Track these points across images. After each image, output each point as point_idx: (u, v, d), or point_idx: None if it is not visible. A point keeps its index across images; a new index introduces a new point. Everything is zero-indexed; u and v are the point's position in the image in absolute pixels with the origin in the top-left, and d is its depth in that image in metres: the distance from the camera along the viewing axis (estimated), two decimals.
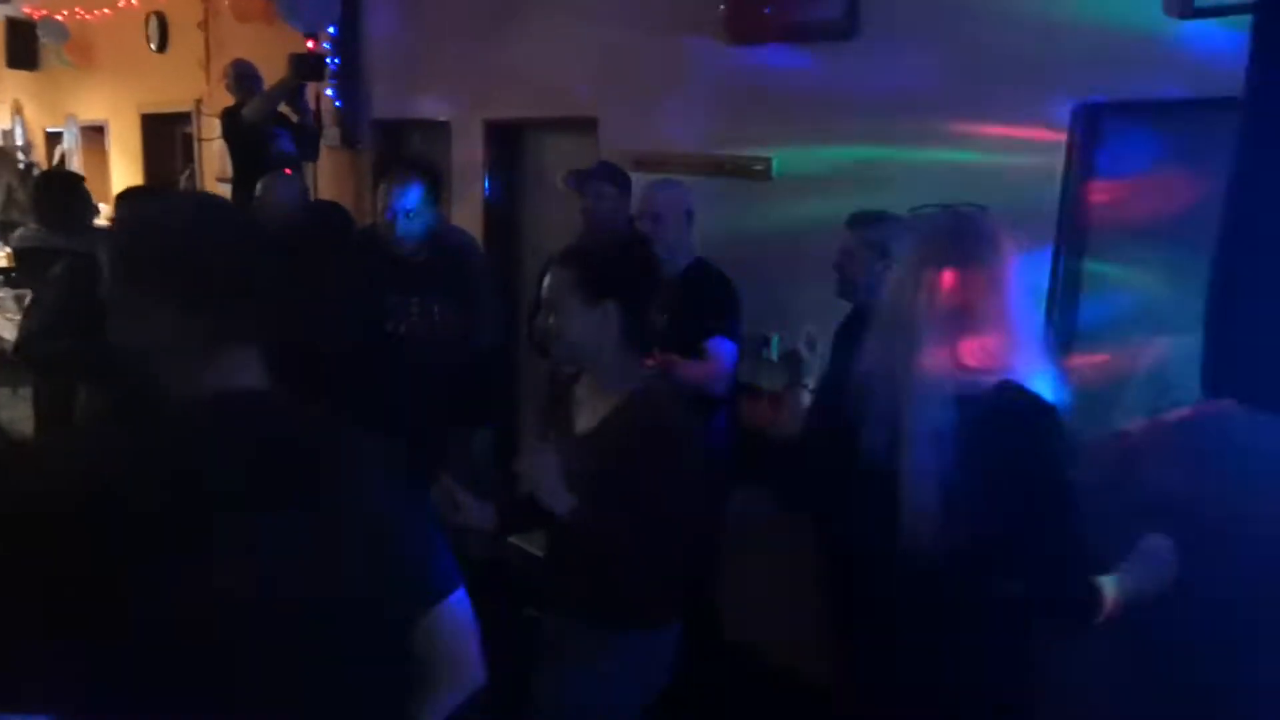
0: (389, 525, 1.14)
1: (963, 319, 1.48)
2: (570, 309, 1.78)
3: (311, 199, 5.03)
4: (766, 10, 3.04)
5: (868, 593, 1.66)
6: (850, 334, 2.58)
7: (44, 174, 6.91)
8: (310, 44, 4.86)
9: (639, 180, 3.21)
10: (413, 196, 2.94)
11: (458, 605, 1.19)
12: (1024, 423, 1.45)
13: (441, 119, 4.68)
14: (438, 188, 3.04)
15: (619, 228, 3.14)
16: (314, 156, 5.20)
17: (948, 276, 1.48)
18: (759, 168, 3.19)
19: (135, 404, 1.11)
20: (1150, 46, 2.23)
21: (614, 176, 3.18)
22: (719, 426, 2.89)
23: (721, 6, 3.11)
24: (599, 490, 1.71)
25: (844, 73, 2.96)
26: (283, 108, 4.94)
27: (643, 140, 3.59)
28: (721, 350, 2.76)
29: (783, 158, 3.15)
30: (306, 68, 4.73)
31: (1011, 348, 1.48)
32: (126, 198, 3.43)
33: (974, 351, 1.47)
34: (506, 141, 4.49)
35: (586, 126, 3.86)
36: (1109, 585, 1.46)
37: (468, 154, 4.54)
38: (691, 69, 3.41)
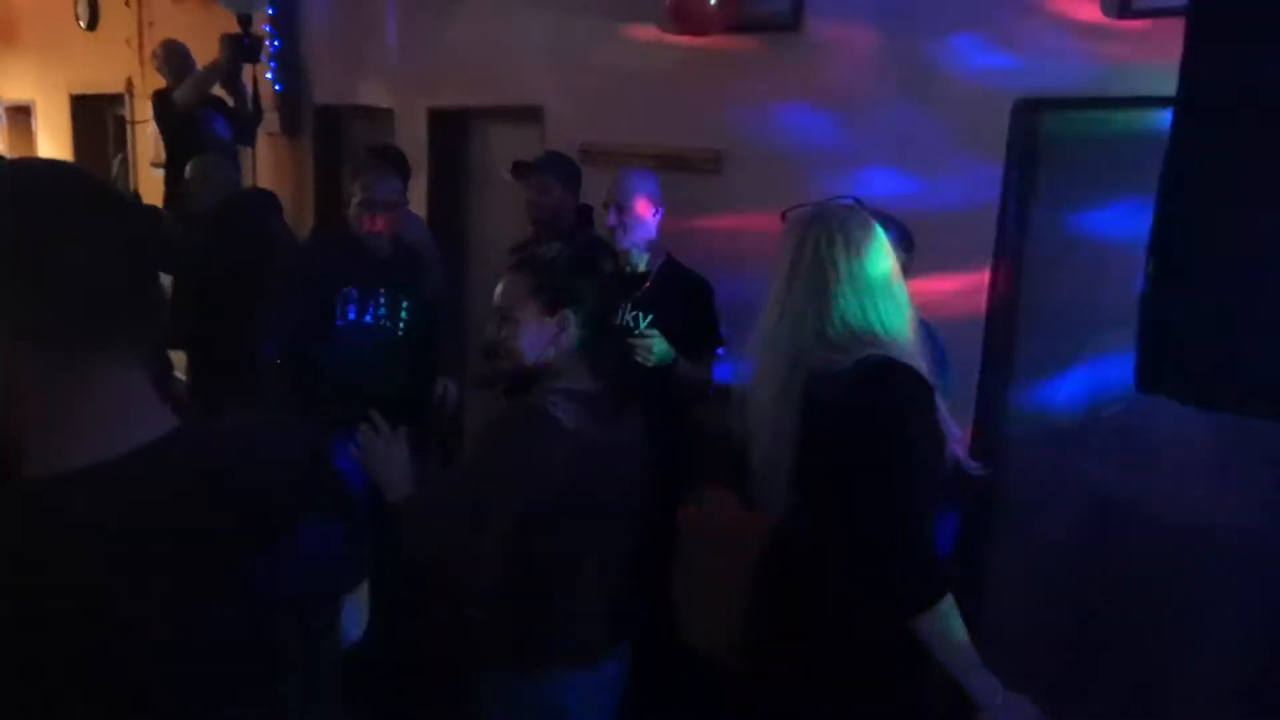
0: (321, 554, 0.97)
1: (823, 292, 1.58)
2: (525, 318, 1.75)
3: (247, 185, 4.93)
4: (712, 1, 3.02)
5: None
6: None
7: None
8: (242, 26, 4.72)
9: (591, 172, 3.19)
10: (388, 190, 2.94)
11: (360, 595, 1.14)
12: (883, 395, 1.53)
13: (384, 106, 4.59)
14: (408, 181, 3.07)
15: (564, 221, 3.10)
16: (250, 141, 5.07)
17: (812, 253, 1.59)
18: (708, 160, 3.18)
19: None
20: (1092, 45, 2.27)
21: (559, 168, 3.13)
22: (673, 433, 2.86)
23: None
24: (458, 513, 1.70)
25: (791, 64, 2.96)
26: (219, 91, 4.80)
27: (590, 130, 3.56)
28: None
29: (731, 150, 3.14)
30: (240, 49, 4.59)
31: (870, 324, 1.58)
32: None
33: (833, 323, 1.57)
34: (451, 130, 4.42)
35: (533, 115, 3.81)
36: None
37: (411, 142, 4.46)
38: (639, 59, 3.38)
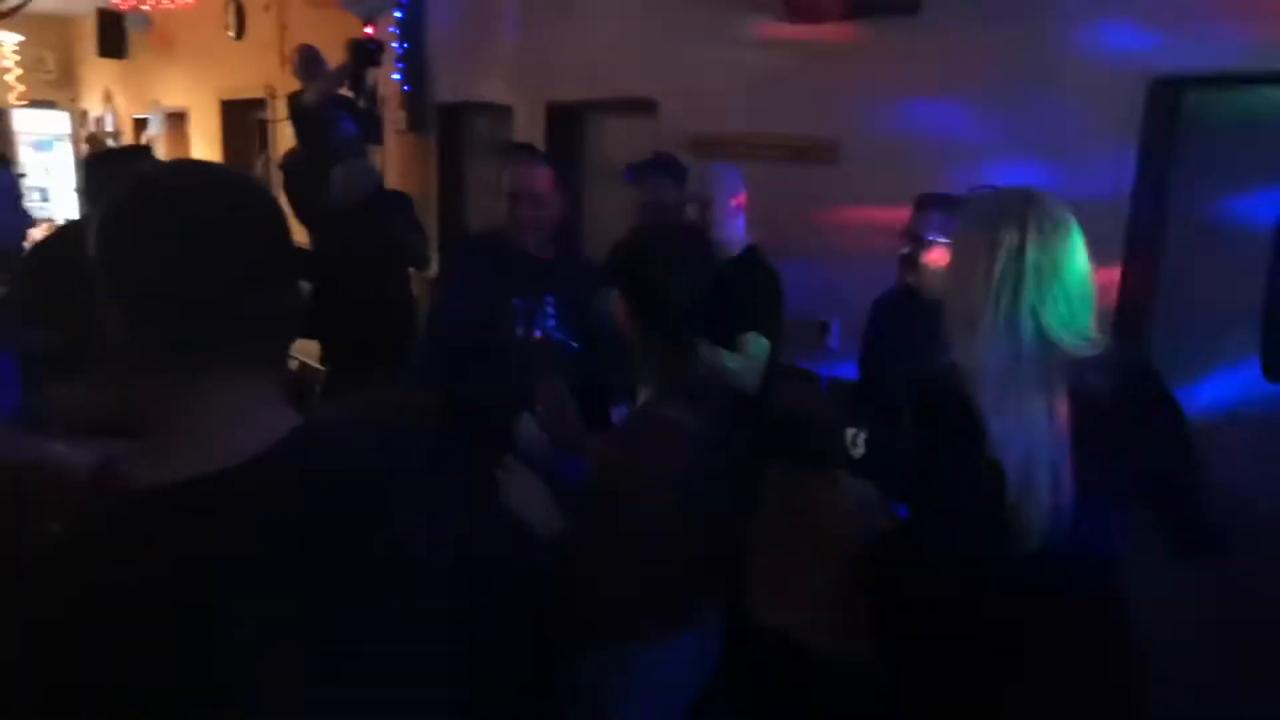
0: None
1: (1040, 292, 1.42)
2: (612, 307, 1.76)
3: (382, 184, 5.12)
4: None
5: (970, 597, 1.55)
6: (897, 314, 2.54)
7: (102, 152, 7.15)
8: (369, 30, 4.90)
9: (694, 163, 3.17)
10: (543, 178, 2.63)
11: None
12: (1148, 395, 1.47)
13: (504, 101, 4.69)
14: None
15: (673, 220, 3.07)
16: (377, 139, 5.27)
17: (1021, 248, 1.42)
18: (822, 149, 3.12)
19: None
20: (1239, 18, 2.10)
21: (670, 168, 3.12)
22: (747, 420, 2.81)
23: None
24: (586, 505, 1.69)
25: (909, 49, 2.87)
26: (347, 91, 5.01)
27: (702, 122, 3.54)
28: (755, 345, 2.64)
29: (846, 138, 3.06)
30: (363, 53, 4.79)
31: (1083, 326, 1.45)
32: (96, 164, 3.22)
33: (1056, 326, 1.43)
34: (567, 124, 4.48)
35: (647, 108, 3.82)
36: None
37: (530, 137, 4.54)
38: (753, 49, 3.34)
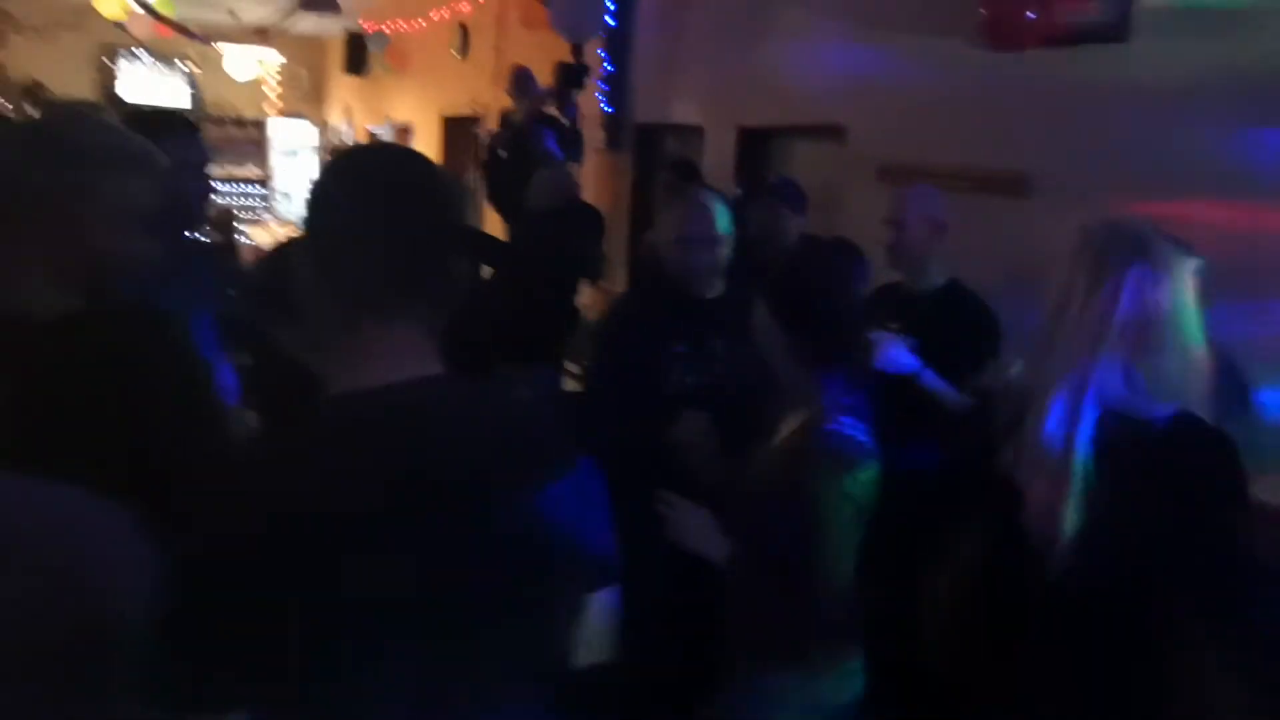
0: (557, 515, 1.05)
1: (1140, 336, 1.38)
2: (756, 325, 1.78)
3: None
4: (1030, 14, 2.84)
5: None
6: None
7: None
8: (576, 55, 5.16)
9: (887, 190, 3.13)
10: (716, 226, 2.37)
11: (607, 597, 1.24)
12: (1204, 460, 1.35)
13: (696, 124, 4.79)
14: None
15: (787, 245, 3.04)
16: (578, 158, 5.51)
17: (1127, 286, 1.38)
18: (1016, 181, 2.99)
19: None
20: None
21: (786, 193, 3.08)
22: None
23: (981, 10, 2.94)
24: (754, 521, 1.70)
25: (1114, 78, 2.72)
26: (553, 111, 5.28)
27: (892, 149, 3.48)
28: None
29: (1043, 170, 2.93)
30: (568, 76, 5.04)
31: (1185, 374, 1.38)
32: None
33: (1147, 373, 1.38)
34: (757, 148, 4.52)
35: (836, 134, 3.81)
36: None
37: (719, 160, 4.62)
38: (946, 76, 3.26)
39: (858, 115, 3.69)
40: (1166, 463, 1.35)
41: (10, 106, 10.61)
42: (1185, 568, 1.34)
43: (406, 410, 0.96)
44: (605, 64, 5.37)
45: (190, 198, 2.19)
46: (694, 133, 4.82)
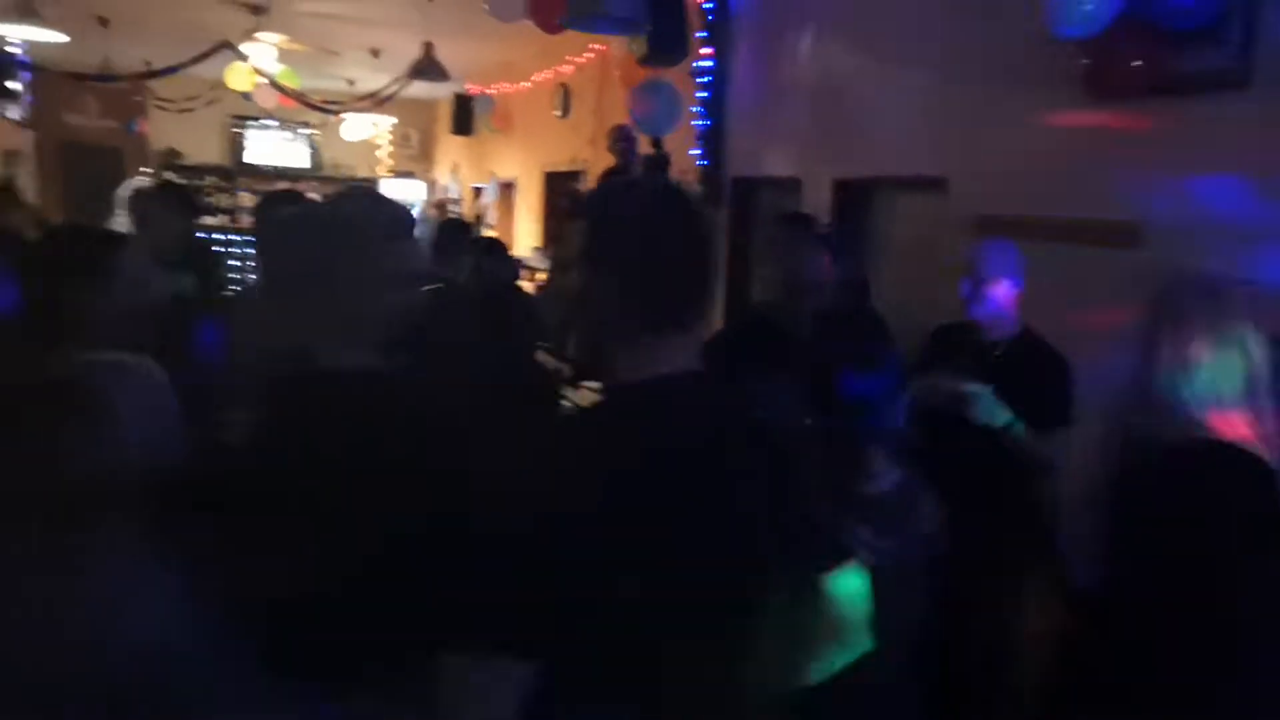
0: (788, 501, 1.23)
1: (1215, 391, 1.45)
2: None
3: None
4: (1137, 62, 2.76)
5: None
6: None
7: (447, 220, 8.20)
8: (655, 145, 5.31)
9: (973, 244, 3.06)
10: (823, 272, 2.58)
11: (849, 576, 1.32)
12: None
13: (792, 176, 4.80)
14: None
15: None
16: None
17: (1198, 343, 1.47)
18: (1124, 233, 2.89)
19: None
20: None
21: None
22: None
23: (1083, 60, 2.88)
24: None
25: (1233, 127, 2.61)
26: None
27: (993, 202, 3.41)
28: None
29: (1151, 222, 2.82)
30: (652, 165, 5.22)
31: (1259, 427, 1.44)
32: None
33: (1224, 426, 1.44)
34: (855, 200, 4.49)
35: (937, 186, 3.75)
36: None
37: (815, 213, 4.60)
38: (1048, 126, 3.19)
39: (958, 167, 3.63)
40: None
41: (152, 172, 11.42)
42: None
43: (675, 394, 1.16)
44: (701, 119, 5.45)
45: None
46: (790, 185, 4.83)
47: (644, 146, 5.65)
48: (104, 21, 7.73)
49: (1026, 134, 3.29)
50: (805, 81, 4.69)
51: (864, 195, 4.47)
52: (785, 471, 1.23)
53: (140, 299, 1.91)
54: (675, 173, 5.61)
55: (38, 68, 7.28)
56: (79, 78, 8.48)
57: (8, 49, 6.83)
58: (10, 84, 8.29)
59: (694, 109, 5.44)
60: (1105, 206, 2.96)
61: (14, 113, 9.53)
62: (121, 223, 4.05)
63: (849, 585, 1.29)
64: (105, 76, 8.08)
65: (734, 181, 5.41)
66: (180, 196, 3.61)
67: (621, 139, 5.54)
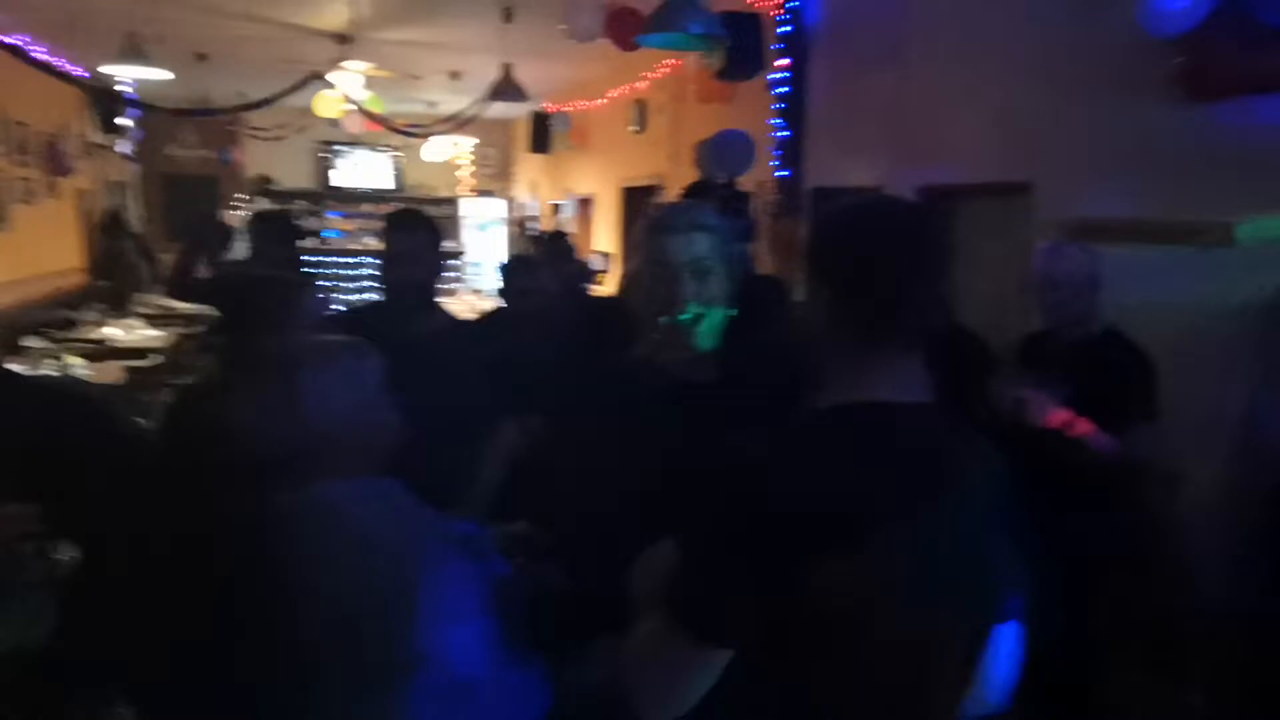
0: (983, 546, 1.18)
1: None
2: None
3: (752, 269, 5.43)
4: (1238, 61, 2.68)
5: None
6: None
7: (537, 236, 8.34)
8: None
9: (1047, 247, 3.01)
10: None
11: (1006, 631, 1.26)
12: None
13: (873, 185, 4.76)
14: None
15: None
16: (749, 238, 5.59)
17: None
18: (1217, 235, 2.81)
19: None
20: None
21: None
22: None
23: (1178, 59, 2.81)
24: None
25: None
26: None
27: (1082, 206, 3.34)
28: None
29: (1251, 224, 2.74)
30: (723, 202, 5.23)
31: None
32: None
33: None
34: (940, 207, 4.44)
35: (1021, 191, 3.69)
36: None
37: None
38: (1139, 129, 3.11)
39: (1045, 171, 3.57)
40: None
41: (246, 199, 11.91)
42: None
43: (884, 425, 1.10)
44: (780, 129, 5.45)
45: None
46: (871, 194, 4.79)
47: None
48: (202, 57, 8.12)
49: (1116, 135, 3.22)
50: (886, 88, 4.66)
51: (948, 202, 4.42)
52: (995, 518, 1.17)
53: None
54: (753, 184, 5.62)
55: (146, 105, 7.67)
56: (184, 113, 8.91)
57: (118, 88, 7.23)
58: (121, 120, 8.78)
59: (770, 121, 5.45)
60: (1199, 208, 2.87)
61: (124, 147, 10.07)
62: (235, 249, 4.26)
63: (1001, 643, 1.25)
64: (209, 110, 8.47)
65: (814, 191, 5.39)
66: (289, 224, 3.83)
67: (704, 155, 5.56)
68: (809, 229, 1.20)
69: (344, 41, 7.46)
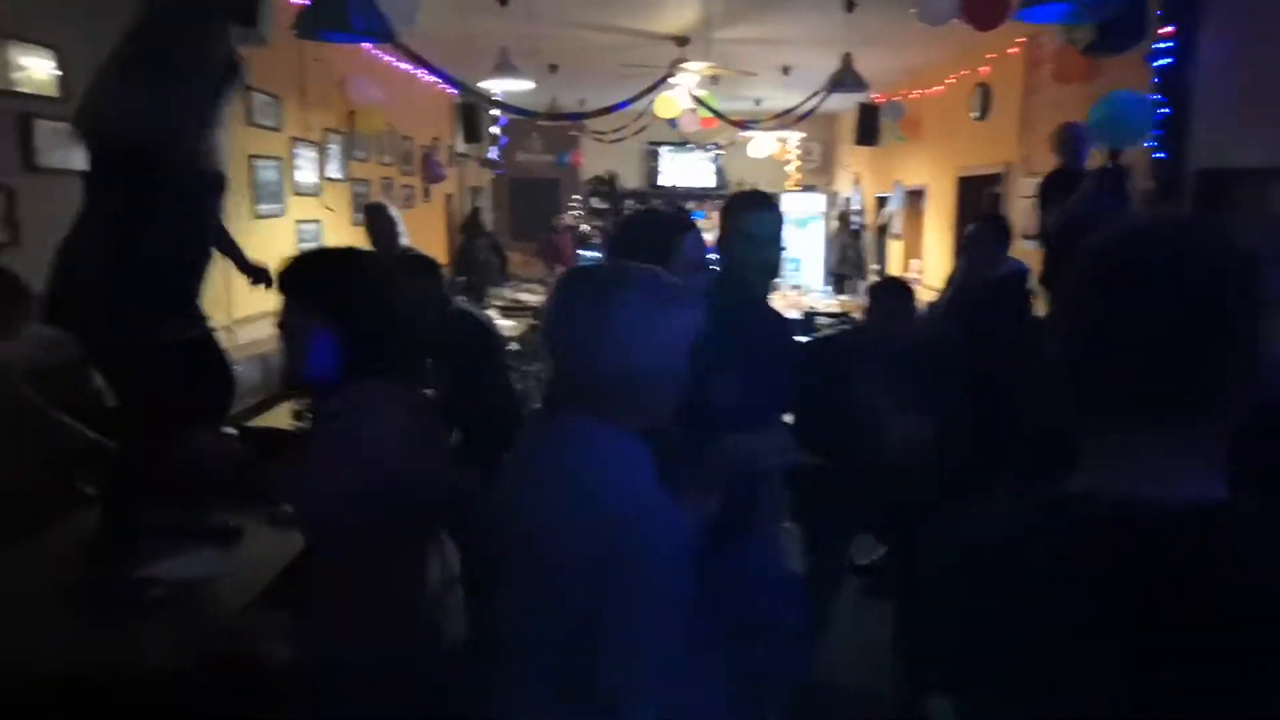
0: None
1: None
2: None
3: None
4: None
5: None
6: None
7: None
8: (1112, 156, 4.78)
9: None
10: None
11: None
12: None
13: (1272, 166, 4.10)
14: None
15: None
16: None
17: None
18: None
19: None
20: None
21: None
22: None
23: None
24: None
25: None
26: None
27: None
28: None
29: None
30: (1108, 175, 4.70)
31: None
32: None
33: None
34: None
35: None
36: None
37: None
38: None
39: None
40: None
41: (580, 200, 12.78)
42: None
43: (1138, 530, 0.81)
44: (1161, 107, 4.86)
45: None
46: (1269, 177, 4.13)
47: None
48: (554, 68, 8.78)
49: None
50: None
51: None
52: None
53: None
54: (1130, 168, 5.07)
55: (520, 110, 8.39)
56: (562, 118, 9.66)
57: (492, 99, 8.00)
58: (492, 129, 9.76)
59: (1151, 97, 4.87)
60: None
61: (493, 153, 11.21)
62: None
63: None
64: (577, 115, 9.15)
65: (1199, 175, 4.76)
66: None
67: (1073, 139, 5.07)
68: (1077, 257, 0.91)
69: (682, 44, 7.72)
